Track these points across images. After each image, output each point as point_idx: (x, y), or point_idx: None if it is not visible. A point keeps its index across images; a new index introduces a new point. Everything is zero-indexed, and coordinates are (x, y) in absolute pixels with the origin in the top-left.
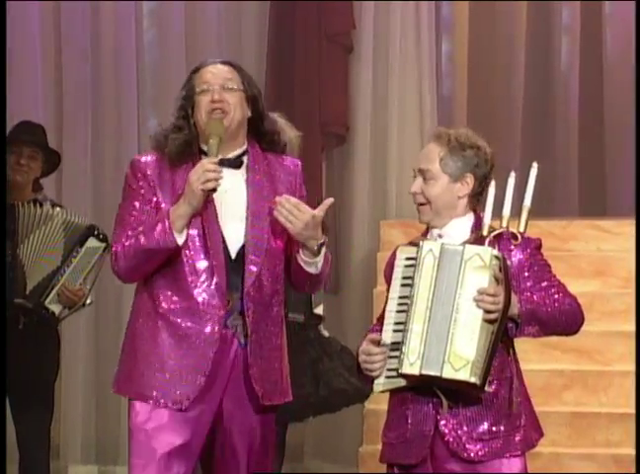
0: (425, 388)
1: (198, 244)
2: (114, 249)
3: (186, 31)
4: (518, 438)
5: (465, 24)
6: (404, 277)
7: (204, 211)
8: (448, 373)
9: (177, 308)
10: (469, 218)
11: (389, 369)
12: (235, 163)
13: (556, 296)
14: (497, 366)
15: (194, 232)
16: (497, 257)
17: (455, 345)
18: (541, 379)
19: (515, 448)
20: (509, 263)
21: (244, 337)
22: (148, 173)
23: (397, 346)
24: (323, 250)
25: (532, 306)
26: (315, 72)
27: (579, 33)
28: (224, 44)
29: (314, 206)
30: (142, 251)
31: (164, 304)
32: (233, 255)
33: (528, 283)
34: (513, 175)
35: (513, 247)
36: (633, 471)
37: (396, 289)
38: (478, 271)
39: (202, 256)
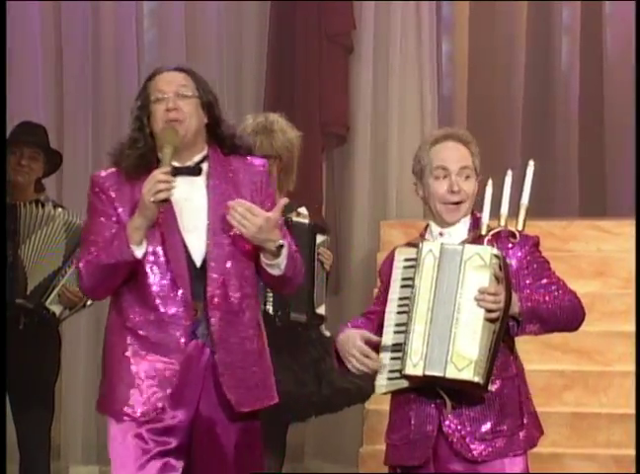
0: (427, 389)
1: (160, 256)
2: (78, 267)
3: (186, 31)
4: (521, 437)
5: (465, 24)
6: (403, 279)
7: (165, 222)
8: (452, 373)
9: (144, 321)
10: (469, 218)
11: (391, 371)
12: (195, 170)
13: (556, 293)
14: (499, 365)
15: (154, 244)
16: (497, 256)
17: (458, 345)
18: (542, 380)
19: (518, 447)
20: (508, 261)
21: (214, 345)
22: (107, 188)
23: (399, 347)
24: (284, 251)
25: (533, 304)
26: (315, 72)
27: (579, 33)
28: (224, 45)
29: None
30: (103, 266)
31: (131, 318)
32: (198, 263)
33: (528, 281)
34: (509, 173)
35: (511, 245)
36: (634, 471)
37: (396, 291)
38: (478, 270)
39: (165, 267)
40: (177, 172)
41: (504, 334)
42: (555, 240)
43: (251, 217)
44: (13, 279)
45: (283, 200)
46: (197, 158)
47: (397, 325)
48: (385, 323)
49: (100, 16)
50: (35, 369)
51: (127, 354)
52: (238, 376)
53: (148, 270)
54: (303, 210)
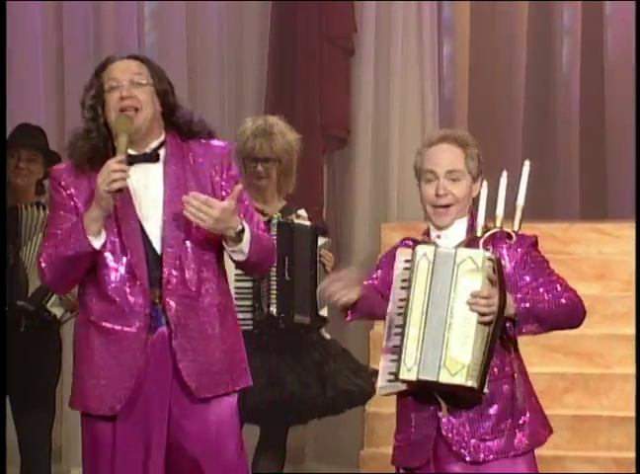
0: (425, 391)
1: (117, 245)
2: (39, 261)
3: (187, 31)
4: (522, 437)
5: (466, 25)
6: (402, 280)
7: (123, 211)
8: (445, 378)
9: (105, 313)
10: (467, 220)
11: (390, 373)
12: (152, 157)
13: (555, 292)
14: (497, 365)
15: (112, 234)
16: (490, 259)
17: (451, 349)
18: (543, 382)
19: (519, 447)
20: (504, 262)
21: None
22: (64, 182)
23: (396, 349)
24: (246, 236)
25: (530, 304)
26: (316, 74)
27: (580, 33)
28: (225, 46)
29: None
30: (62, 259)
31: (94, 311)
32: (158, 250)
33: (526, 280)
34: (505, 174)
35: (507, 246)
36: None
37: (396, 292)
38: (471, 274)
39: (123, 256)
40: (134, 160)
41: (500, 334)
42: (556, 242)
43: (207, 210)
44: (14, 282)
45: (239, 187)
46: (153, 144)
47: (397, 326)
48: (386, 324)
49: (101, 16)
50: (35, 371)
51: (92, 347)
52: (198, 362)
53: (106, 260)
54: (303, 212)
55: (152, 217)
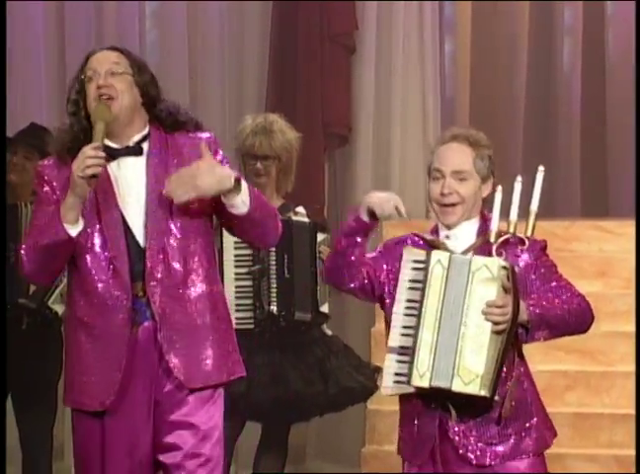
0: (432, 394)
1: (99, 239)
2: (19, 252)
3: (188, 31)
4: (529, 440)
5: (468, 24)
6: (410, 281)
7: (104, 204)
8: (458, 387)
9: (87, 307)
10: (477, 221)
11: (397, 374)
12: (135, 150)
13: (564, 297)
14: (505, 370)
15: (93, 226)
16: (504, 267)
17: (464, 358)
18: (544, 380)
19: (526, 450)
20: (516, 268)
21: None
22: (47, 176)
23: (405, 350)
24: (243, 183)
25: (541, 310)
26: (318, 73)
27: (581, 33)
28: (226, 45)
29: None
30: (40, 248)
31: (78, 306)
32: (142, 242)
33: (536, 286)
34: (519, 179)
35: (520, 252)
36: (635, 472)
37: (403, 291)
38: (486, 283)
39: (104, 249)
40: (116, 153)
41: (512, 341)
42: (557, 240)
43: (183, 175)
44: (15, 279)
45: (202, 143)
46: (136, 138)
47: (404, 327)
48: (392, 323)
49: (103, 16)
50: (37, 369)
51: (79, 343)
52: (186, 352)
53: (88, 255)
54: (301, 209)
55: (135, 210)
